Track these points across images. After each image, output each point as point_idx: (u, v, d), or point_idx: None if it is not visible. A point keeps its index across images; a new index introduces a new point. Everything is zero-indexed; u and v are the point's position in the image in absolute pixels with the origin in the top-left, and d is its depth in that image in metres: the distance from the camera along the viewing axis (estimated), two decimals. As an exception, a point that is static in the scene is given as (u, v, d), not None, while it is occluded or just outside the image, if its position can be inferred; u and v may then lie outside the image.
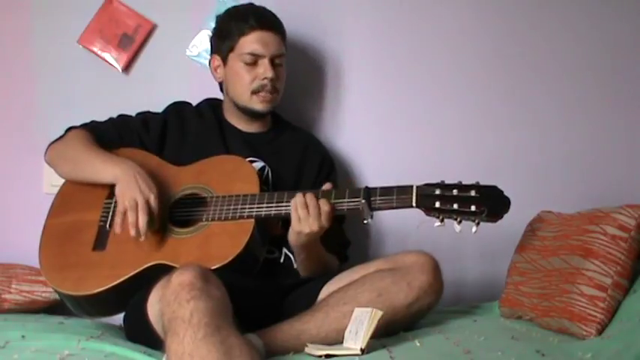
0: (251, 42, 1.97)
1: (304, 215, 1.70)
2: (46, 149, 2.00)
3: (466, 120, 2.34)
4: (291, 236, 1.78)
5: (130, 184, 1.78)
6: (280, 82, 2.01)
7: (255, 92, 1.98)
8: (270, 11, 2.04)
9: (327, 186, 1.78)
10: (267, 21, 2.00)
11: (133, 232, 1.74)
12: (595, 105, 2.35)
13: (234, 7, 2.09)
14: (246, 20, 1.98)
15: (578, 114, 2.35)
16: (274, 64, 1.98)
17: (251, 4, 2.09)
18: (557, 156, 2.34)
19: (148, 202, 1.75)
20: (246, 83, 1.98)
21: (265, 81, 1.97)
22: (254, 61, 1.97)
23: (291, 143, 2.10)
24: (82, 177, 1.90)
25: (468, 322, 1.87)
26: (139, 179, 1.78)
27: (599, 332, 1.59)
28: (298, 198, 1.72)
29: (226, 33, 2.01)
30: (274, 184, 1.98)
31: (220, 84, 2.09)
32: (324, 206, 1.71)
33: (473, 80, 2.34)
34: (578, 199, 2.14)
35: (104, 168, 1.85)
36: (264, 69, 1.96)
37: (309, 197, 1.72)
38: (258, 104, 1.99)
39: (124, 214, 1.76)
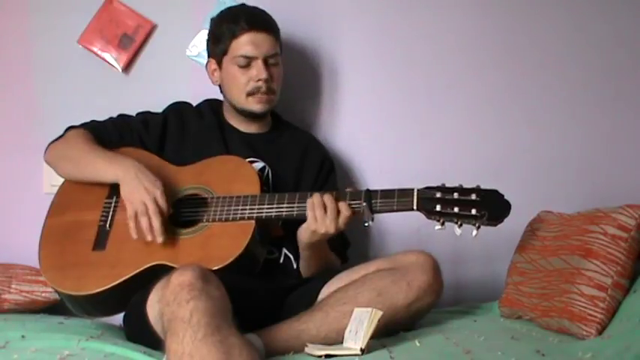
0: (243, 44, 1.96)
1: (321, 215, 1.70)
2: (46, 149, 1.99)
3: (467, 120, 2.34)
4: (304, 233, 1.77)
5: (134, 186, 1.77)
6: (276, 82, 2.00)
7: (250, 94, 1.97)
8: (262, 11, 2.02)
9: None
10: (259, 21, 1.98)
11: (149, 238, 1.73)
12: (596, 105, 2.35)
13: (227, 9, 2.06)
14: (237, 22, 1.96)
15: (579, 114, 2.34)
16: (268, 64, 1.97)
17: (243, 5, 2.08)
18: (557, 156, 2.33)
19: (156, 201, 1.74)
20: (241, 86, 1.97)
21: (260, 83, 1.96)
22: (247, 63, 1.96)
23: (291, 144, 2.10)
24: (83, 176, 1.90)
25: (468, 322, 1.87)
26: (142, 177, 1.78)
27: (599, 332, 1.59)
28: (316, 198, 1.71)
29: (219, 36, 2.00)
30: (274, 185, 1.98)
31: (219, 86, 2.08)
32: (345, 210, 1.70)
33: (473, 80, 2.34)
34: (578, 199, 2.14)
35: (105, 168, 1.84)
36: (258, 71, 1.95)
37: (328, 198, 1.71)
38: (254, 105, 1.98)
39: (135, 218, 1.75)
